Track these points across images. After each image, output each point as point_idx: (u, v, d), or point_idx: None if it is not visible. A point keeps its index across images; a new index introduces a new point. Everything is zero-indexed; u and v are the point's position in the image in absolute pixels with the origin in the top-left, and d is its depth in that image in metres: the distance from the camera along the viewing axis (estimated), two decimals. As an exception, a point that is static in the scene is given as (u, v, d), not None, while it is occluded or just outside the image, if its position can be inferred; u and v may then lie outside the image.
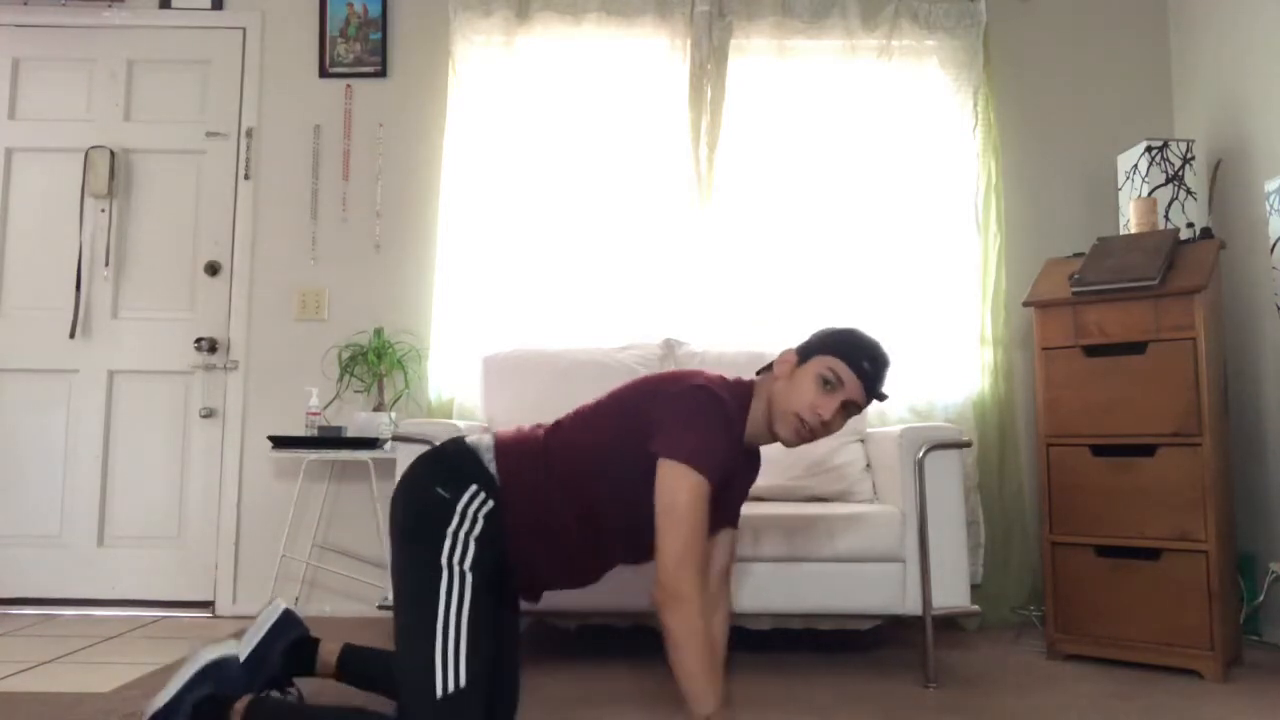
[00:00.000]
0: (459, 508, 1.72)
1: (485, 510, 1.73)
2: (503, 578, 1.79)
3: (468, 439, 1.84)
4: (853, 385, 1.80)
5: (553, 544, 1.78)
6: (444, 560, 1.69)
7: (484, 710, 1.65)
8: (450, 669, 1.62)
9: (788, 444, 1.84)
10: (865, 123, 3.47)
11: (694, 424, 1.70)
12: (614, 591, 2.45)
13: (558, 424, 1.87)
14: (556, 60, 3.51)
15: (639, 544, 1.79)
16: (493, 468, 1.77)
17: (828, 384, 1.79)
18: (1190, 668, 2.53)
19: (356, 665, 2.04)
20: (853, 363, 1.80)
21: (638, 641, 2.85)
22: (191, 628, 3.14)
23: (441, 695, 1.60)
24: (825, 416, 1.78)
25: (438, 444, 1.89)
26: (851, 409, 1.83)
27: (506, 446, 1.82)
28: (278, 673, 1.97)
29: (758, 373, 1.93)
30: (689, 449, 1.67)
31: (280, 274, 3.53)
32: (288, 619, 2.04)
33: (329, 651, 2.05)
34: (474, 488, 1.75)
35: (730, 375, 1.92)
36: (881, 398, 1.86)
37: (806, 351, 1.85)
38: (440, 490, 1.74)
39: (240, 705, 1.75)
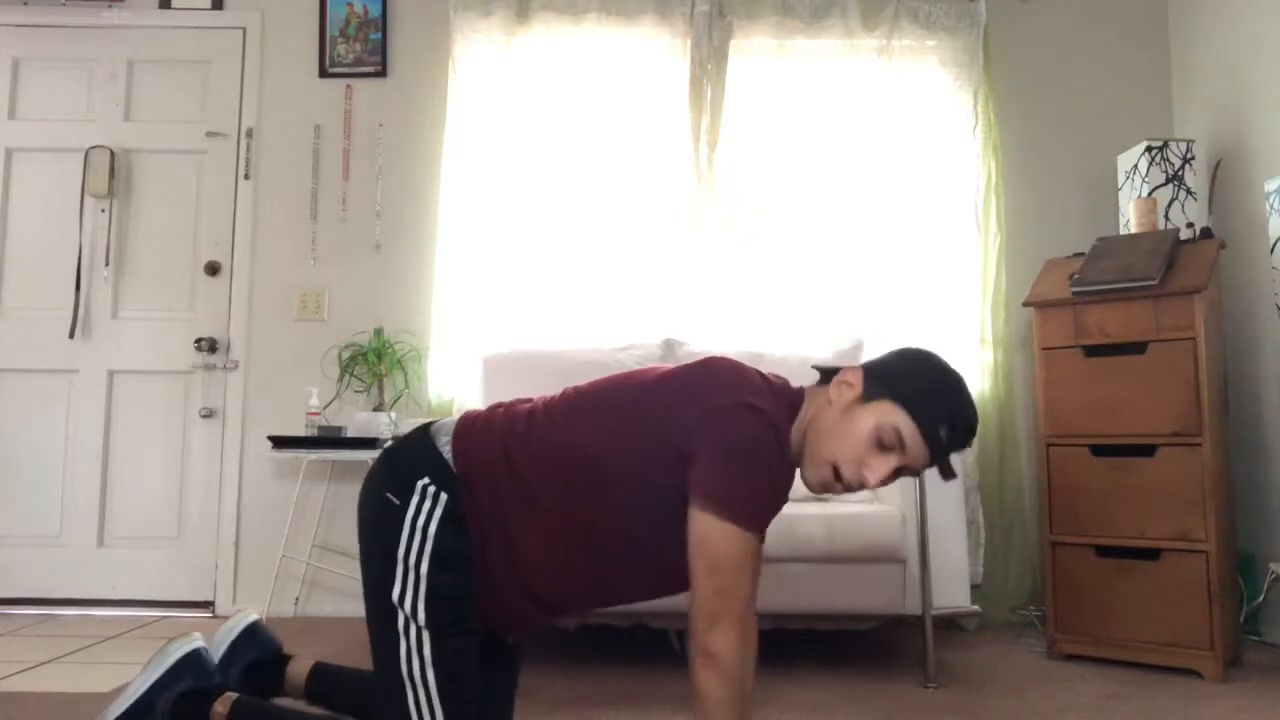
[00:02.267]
0: (407, 518, 1.47)
1: (439, 512, 1.47)
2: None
3: (435, 423, 1.60)
4: (917, 453, 1.42)
5: (523, 553, 1.48)
6: (395, 598, 1.47)
7: None
8: None
9: (810, 488, 1.51)
10: (865, 122, 3.47)
11: (744, 467, 1.37)
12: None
13: (546, 408, 1.54)
14: (556, 60, 3.51)
15: (647, 571, 1.52)
16: (447, 451, 1.50)
17: (886, 443, 1.42)
18: (1190, 668, 2.53)
19: (323, 686, 1.86)
20: (927, 427, 1.41)
21: (638, 641, 2.85)
22: (191, 628, 3.12)
23: None
24: (871, 481, 1.43)
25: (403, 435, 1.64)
26: (905, 473, 1.46)
27: (468, 424, 1.54)
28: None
29: (814, 367, 1.59)
30: (737, 505, 1.36)
31: (280, 274, 3.53)
32: (245, 638, 1.88)
33: (297, 673, 1.87)
34: (423, 482, 1.49)
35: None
36: (948, 475, 1.46)
37: (876, 383, 1.45)
38: (390, 496, 1.50)
39: (221, 706, 1.65)
